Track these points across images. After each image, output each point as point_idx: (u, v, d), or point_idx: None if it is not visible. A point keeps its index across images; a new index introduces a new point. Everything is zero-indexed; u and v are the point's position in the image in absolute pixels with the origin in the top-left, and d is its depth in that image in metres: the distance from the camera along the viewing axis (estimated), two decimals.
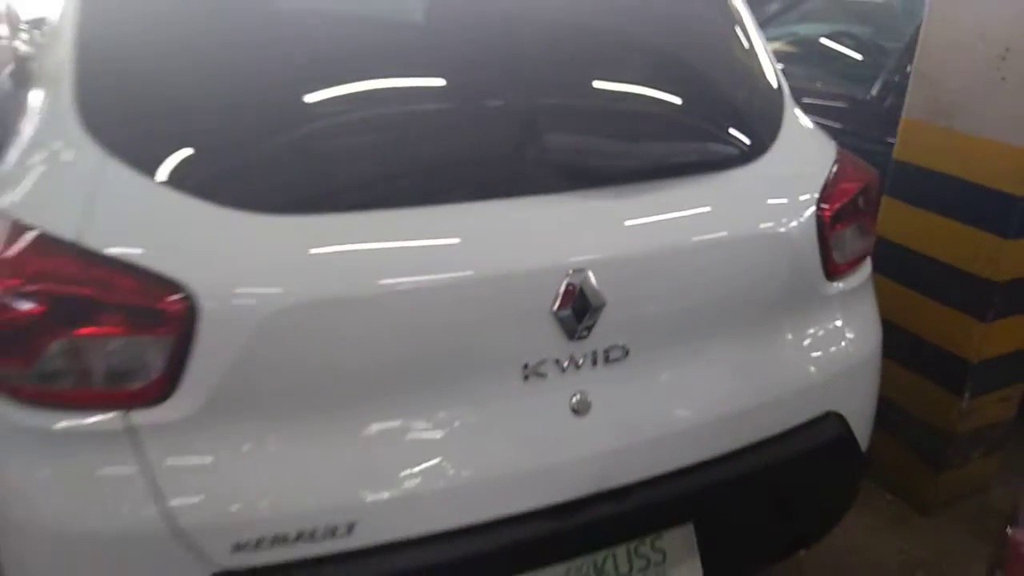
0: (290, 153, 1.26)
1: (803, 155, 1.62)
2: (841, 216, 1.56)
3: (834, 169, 1.60)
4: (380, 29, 1.41)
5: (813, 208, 1.53)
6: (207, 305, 1.12)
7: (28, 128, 1.35)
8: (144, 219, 1.16)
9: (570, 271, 1.27)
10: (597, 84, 1.51)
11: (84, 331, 1.11)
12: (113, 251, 1.12)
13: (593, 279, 1.28)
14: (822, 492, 1.67)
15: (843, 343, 1.63)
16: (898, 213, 2.38)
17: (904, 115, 2.36)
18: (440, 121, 1.37)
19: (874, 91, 2.96)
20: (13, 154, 1.33)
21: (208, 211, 1.16)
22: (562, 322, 1.28)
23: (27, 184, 1.23)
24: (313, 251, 1.19)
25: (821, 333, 1.60)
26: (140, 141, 1.21)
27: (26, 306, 1.11)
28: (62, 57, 1.30)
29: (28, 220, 1.15)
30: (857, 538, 2.37)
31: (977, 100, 2.15)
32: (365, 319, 1.19)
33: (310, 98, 1.32)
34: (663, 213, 1.39)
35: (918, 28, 2.36)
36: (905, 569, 2.29)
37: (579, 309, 1.28)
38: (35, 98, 1.41)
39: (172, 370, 1.13)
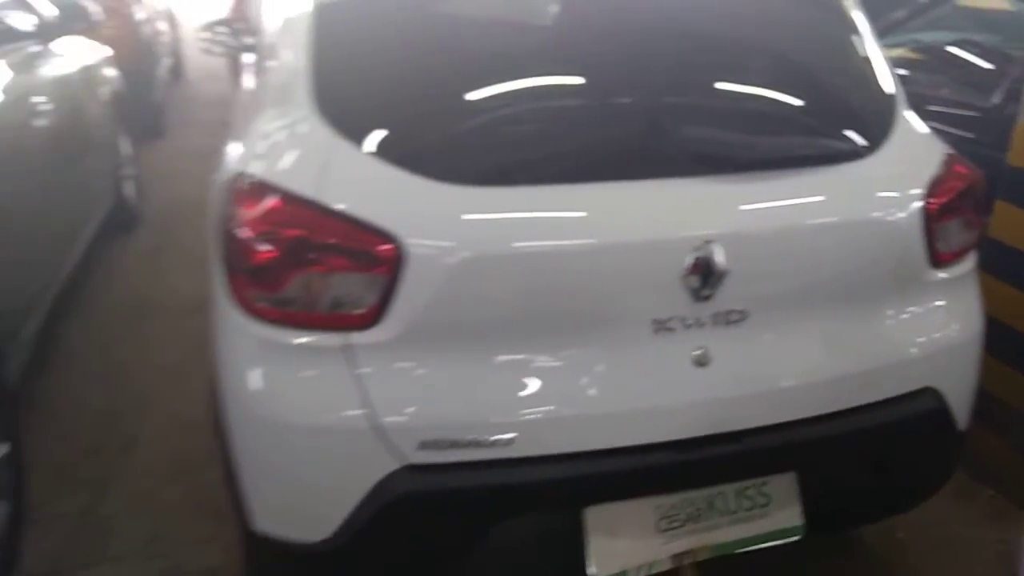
0: (477, 138, 1.57)
1: (913, 154, 1.80)
2: (947, 210, 1.73)
3: (942, 168, 1.77)
4: (549, 34, 1.70)
5: (921, 202, 1.71)
6: (413, 252, 1.43)
7: (265, 110, 1.71)
8: (365, 184, 1.49)
9: (699, 243, 1.52)
10: (729, 84, 1.75)
11: (319, 268, 1.45)
12: (343, 207, 1.45)
13: (719, 250, 1.52)
14: (917, 461, 1.84)
15: (944, 326, 1.80)
16: (1012, 217, 2.48)
17: (1021, 120, 2.45)
18: (599, 113, 1.65)
19: (996, 99, 3.02)
20: (254, 130, 1.70)
21: (415, 181, 1.48)
22: (689, 286, 1.53)
23: (272, 154, 1.58)
24: (493, 216, 1.49)
25: (924, 315, 1.78)
26: (363, 124, 1.53)
27: (275, 246, 1.46)
28: (297, 57, 1.65)
29: (275, 181, 1.50)
30: (957, 529, 2.47)
31: None
32: (533, 272, 1.48)
33: (489, 94, 1.62)
34: (783, 198, 1.62)
35: None
36: (1003, 559, 2.39)
37: (704, 275, 1.52)
38: (267, 86, 1.78)
39: (382, 302, 1.45)
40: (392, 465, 1.48)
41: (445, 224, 1.47)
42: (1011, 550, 2.39)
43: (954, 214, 1.75)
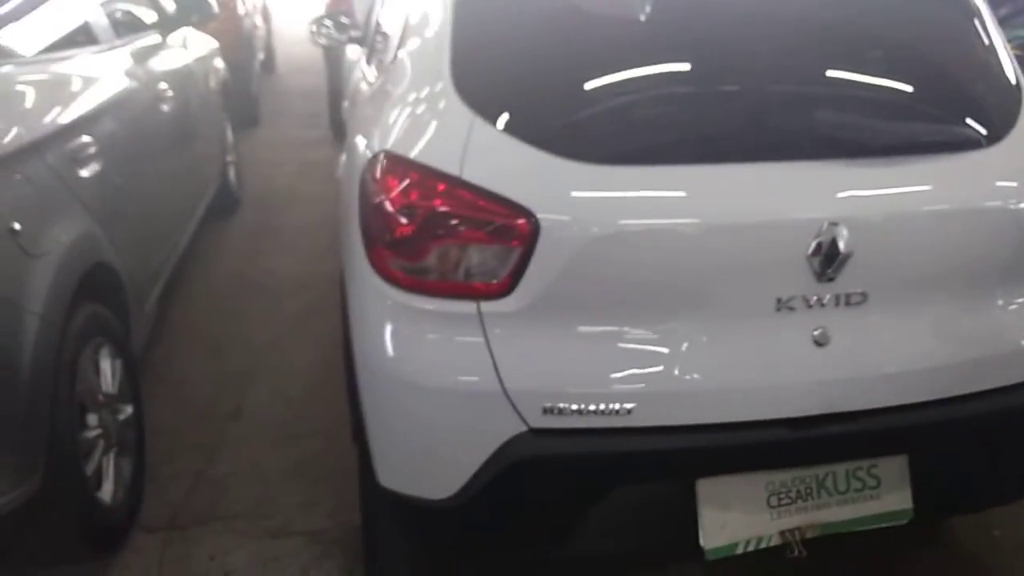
0: (606, 119, 1.63)
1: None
2: None
3: None
4: (677, 21, 1.75)
5: None
6: (546, 227, 1.50)
7: (402, 92, 1.81)
8: (502, 161, 1.56)
9: (825, 224, 1.54)
10: (853, 70, 1.77)
11: (457, 239, 1.53)
12: (482, 182, 1.53)
13: (843, 233, 1.54)
14: None
15: None
16: None
17: None
18: (728, 97, 1.70)
19: None
20: (392, 111, 1.80)
21: (548, 159, 1.54)
22: (813, 266, 1.56)
23: (412, 132, 1.67)
24: (624, 194, 1.54)
25: None
26: (499, 103, 1.61)
27: (417, 219, 1.55)
28: (437, 41, 1.74)
29: (417, 157, 1.59)
30: None
31: None
32: (660, 249, 1.54)
33: (618, 79, 1.68)
34: (906, 184, 1.64)
35: None
36: None
37: (828, 257, 1.55)
38: (403, 70, 1.88)
39: (514, 274, 1.53)
40: (516, 429, 1.55)
41: (578, 201, 1.53)
42: None
43: None
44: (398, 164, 1.61)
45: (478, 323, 1.56)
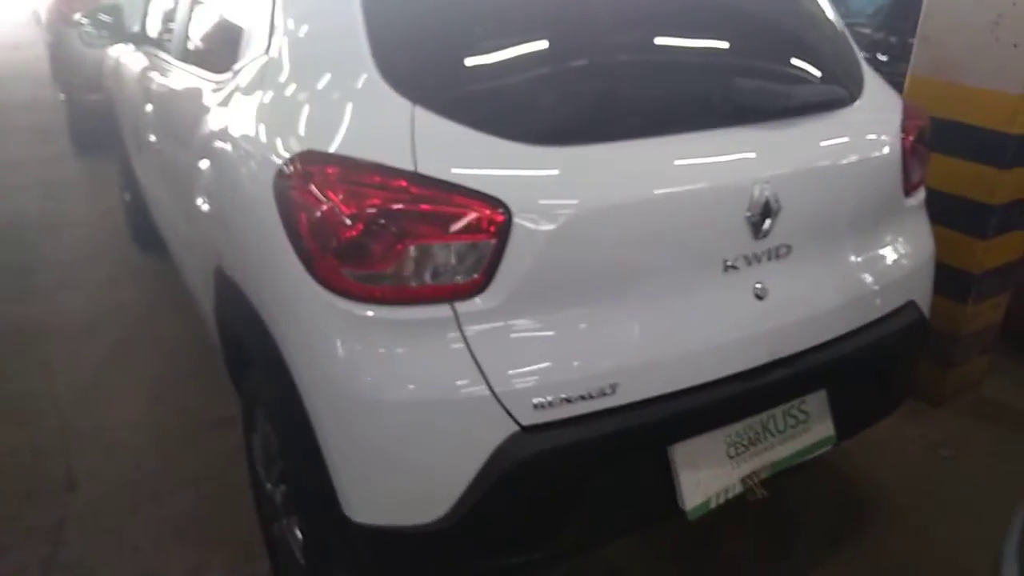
0: (549, 99, 1.58)
1: (884, 101, 2.05)
2: (913, 146, 1.99)
3: (904, 111, 2.03)
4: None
5: (899, 138, 1.95)
6: (516, 216, 1.43)
7: (306, 87, 1.62)
8: (460, 153, 1.46)
9: (760, 183, 1.64)
10: (757, 47, 1.90)
11: (429, 239, 1.41)
12: (445, 176, 1.42)
13: (773, 190, 1.65)
14: (906, 364, 2.10)
15: (916, 246, 2.06)
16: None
17: (910, 73, 2.83)
18: (670, 72, 1.74)
19: None
20: (298, 110, 1.60)
21: (503, 144, 1.47)
22: (752, 224, 1.65)
23: (345, 129, 1.50)
24: (584, 174, 1.51)
25: (904, 238, 2.03)
26: (436, 88, 1.50)
27: (373, 222, 1.40)
28: (339, 20, 1.57)
29: (369, 157, 1.43)
30: (883, 430, 2.82)
31: (974, 57, 2.63)
32: (625, 225, 1.53)
33: (561, 52, 1.65)
34: (811, 140, 1.79)
35: None
36: (928, 449, 2.77)
37: (764, 214, 1.65)
38: (299, 63, 1.68)
39: (490, 268, 1.44)
40: (507, 431, 1.47)
41: (541, 184, 1.47)
42: (933, 442, 2.80)
43: (916, 149, 2.01)
44: (337, 164, 1.45)
45: (455, 326, 1.45)
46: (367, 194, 1.41)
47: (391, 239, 1.40)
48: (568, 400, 1.50)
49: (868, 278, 1.92)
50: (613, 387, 1.54)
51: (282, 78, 1.73)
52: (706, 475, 1.71)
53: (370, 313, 1.44)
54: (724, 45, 1.87)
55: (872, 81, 2.06)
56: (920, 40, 2.79)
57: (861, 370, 1.97)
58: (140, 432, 2.77)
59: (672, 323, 1.61)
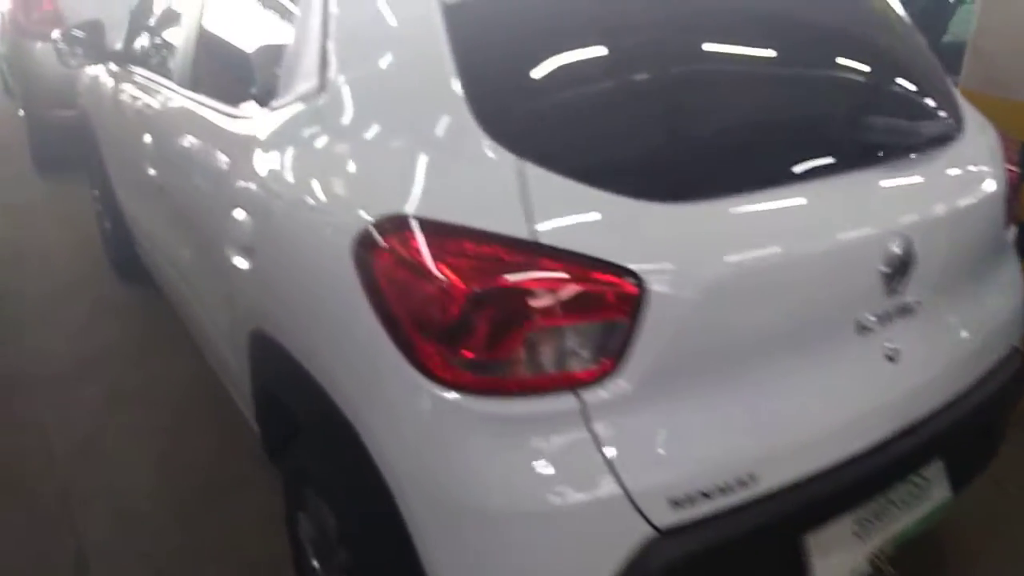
0: (670, 152, 1.39)
1: (982, 129, 1.89)
2: (1016, 176, 1.85)
3: (1001, 141, 1.88)
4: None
5: (1004, 171, 1.80)
6: (653, 287, 1.23)
7: (382, 135, 1.40)
8: (583, 216, 1.25)
9: (892, 234, 1.46)
10: (866, 84, 1.73)
11: (555, 321, 1.20)
12: (571, 245, 1.21)
13: (911, 240, 1.48)
14: (1007, 413, 1.95)
15: (1013, 284, 1.91)
16: None
17: (961, 86, 2.69)
18: (799, 115, 1.56)
19: None
20: (375, 163, 1.38)
21: (634, 205, 1.27)
22: (886, 279, 1.47)
23: (448, 190, 1.29)
24: (712, 234, 1.32)
25: (1002, 279, 1.88)
26: (551, 145, 1.29)
27: (504, 301, 1.19)
28: (426, 64, 1.35)
29: (475, 223, 1.21)
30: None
31: None
32: (764, 288, 1.34)
33: (683, 105, 1.46)
34: (938, 182, 1.62)
35: None
36: (996, 487, 2.61)
37: (898, 268, 1.48)
38: (367, 105, 1.45)
39: (621, 350, 1.24)
40: (642, 535, 1.27)
41: (675, 249, 1.28)
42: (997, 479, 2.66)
43: (1017, 178, 1.87)
44: (437, 232, 1.23)
45: (580, 418, 1.25)
46: (481, 268, 1.19)
47: (511, 322, 1.19)
48: (706, 495, 1.31)
49: (982, 327, 1.76)
50: (751, 476, 1.35)
51: (346, 121, 1.49)
52: (837, 559, 1.53)
53: (484, 407, 1.23)
54: (844, 83, 1.70)
55: (967, 109, 1.91)
56: (972, 54, 2.66)
57: (973, 427, 1.81)
58: (151, 496, 2.50)
59: (808, 397, 1.43)
